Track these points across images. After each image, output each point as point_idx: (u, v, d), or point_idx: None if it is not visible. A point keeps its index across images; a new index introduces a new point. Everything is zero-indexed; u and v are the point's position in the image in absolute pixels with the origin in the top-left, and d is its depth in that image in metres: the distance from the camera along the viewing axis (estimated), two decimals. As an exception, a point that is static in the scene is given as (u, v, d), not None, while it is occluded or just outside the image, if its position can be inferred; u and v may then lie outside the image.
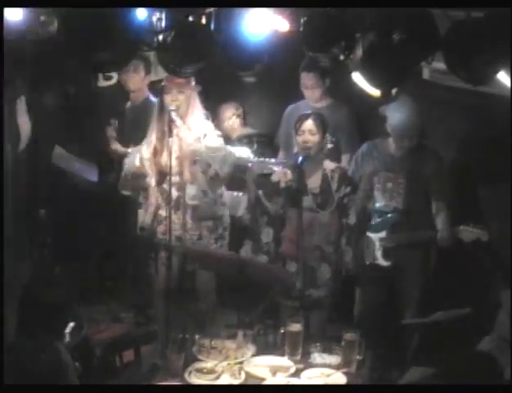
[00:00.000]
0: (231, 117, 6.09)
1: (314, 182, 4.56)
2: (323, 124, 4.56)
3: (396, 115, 4.56)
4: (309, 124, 4.51)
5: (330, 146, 4.69)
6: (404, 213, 4.66)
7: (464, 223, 4.39)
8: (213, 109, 5.24)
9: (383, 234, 4.70)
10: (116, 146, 5.48)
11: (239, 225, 5.24)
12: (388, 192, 4.69)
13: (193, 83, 4.70)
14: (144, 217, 4.84)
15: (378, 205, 4.74)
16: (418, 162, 4.63)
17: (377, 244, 4.71)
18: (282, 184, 4.63)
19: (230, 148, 5.06)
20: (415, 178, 4.63)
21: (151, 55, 5.59)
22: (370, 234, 4.74)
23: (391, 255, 4.68)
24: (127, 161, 4.89)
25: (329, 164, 4.63)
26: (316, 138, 4.51)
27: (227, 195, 5.22)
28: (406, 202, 4.65)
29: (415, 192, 4.65)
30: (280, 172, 4.69)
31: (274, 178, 4.68)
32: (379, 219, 4.73)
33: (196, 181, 4.70)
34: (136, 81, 5.53)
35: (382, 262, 4.71)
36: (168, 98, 4.67)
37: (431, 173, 4.62)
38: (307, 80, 5.38)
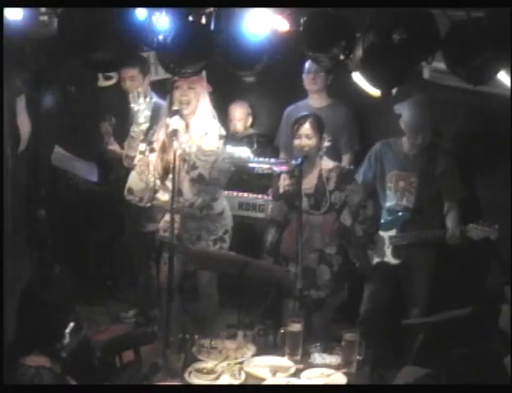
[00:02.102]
0: (246, 117, 6.10)
1: (308, 183, 4.57)
2: (320, 126, 4.57)
3: (410, 113, 4.59)
4: (306, 128, 4.52)
5: (327, 144, 4.69)
6: (415, 212, 4.68)
7: (474, 222, 4.40)
8: (216, 108, 5.24)
9: (393, 232, 4.71)
10: (114, 147, 5.45)
11: (241, 228, 5.23)
12: (400, 191, 4.71)
13: (205, 82, 4.69)
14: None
15: (389, 203, 4.76)
16: (430, 161, 4.66)
17: (387, 242, 4.73)
18: (281, 189, 4.65)
19: (226, 152, 5.04)
20: (426, 177, 4.65)
21: (150, 55, 5.62)
22: (380, 232, 4.75)
23: (400, 253, 4.70)
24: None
25: (327, 164, 4.63)
26: (312, 141, 4.52)
27: (224, 195, 5.23)
28: (418, 201, 4.67)
29: (427, 191, 4.67)
30: (281, 179, 4.70)
31: (278, 185, 4.69)
32: (389, 218, 4.74)
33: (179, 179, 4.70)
34: (136, 86, 5.47)
35: (391, 260, 4.72)
36: (177, 94, 4.65)
37: (443, 173, 4.63)
38: (308, 79, 5.39)
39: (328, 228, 4.57)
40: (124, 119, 5.42)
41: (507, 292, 4.03)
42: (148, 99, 4.72)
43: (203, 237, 4.80)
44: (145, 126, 4.71)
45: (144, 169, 4.70)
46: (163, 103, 4.89)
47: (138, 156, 4.71)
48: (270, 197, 5.07)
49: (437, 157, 4.67)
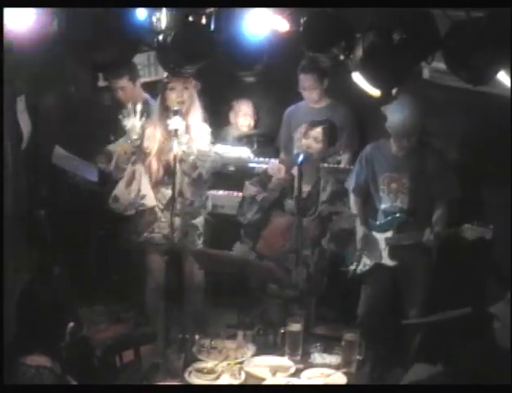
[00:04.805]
0: (252, 113, 6.11)
1: (304, 187, 4.57)
2: (332, 135, 4.61)
3: (395, 115, 4.56)
4: (317, 131, 4.57)
5: (338, 158, 4.74)
6: (409, 213, 4.67)
7: (468, 222, 4.40)
8: (213, 109, 5.24)
9: (389, 234, 4.70)
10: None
11: (222, 222, 5.27)
12: (393, 193, 4.70)
13: (194, 81, 4.71)
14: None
15: (384, 205, 4.75)
16: (420, 161, 4.64)
17: (383, 244, 4.72)
18: (274, 180, 4.65)
19: (224, 148, 5.07)
20: (418, 178, 4.64)
21: (150, 55, 5.62)
22: (376, 234, 4.75)
23: (397, 254, 4.69)
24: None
25: (326, 176, 4.73)
26: (319, 146, 4.57)
27: (225, 195, 5.26)
28: (411, 202, 4.66)
29: (419, 192, 4.66)
30: (275, 166, 4.71)
31: (269, 171, 4.71)
32: (385, 220, 4.74)
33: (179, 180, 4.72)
34: (129, 94, 5.50)
35: (388, 262, 4.72)
36: (172, 96, 4.67)
37: (433, 171, 4.62)
38: (305, 82, 5.39)
39: (311, 232, 4.61)
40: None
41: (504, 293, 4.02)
42: (139, 115, 4.74)
43: (189, 233, 4.84)
44: (137, 143, 4.74)
45: (131, 179, 4.74)
46: (154, 104, 4.92)
47: (128, 166, 4.76)
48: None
49: (428, 157, 4.65)
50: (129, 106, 4.80)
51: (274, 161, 4.92)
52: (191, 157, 4.69)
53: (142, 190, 4.77)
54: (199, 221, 4.93)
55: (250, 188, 4.77)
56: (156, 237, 4.84)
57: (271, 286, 4.51)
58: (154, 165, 4.77)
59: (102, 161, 5.34)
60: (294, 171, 4.61)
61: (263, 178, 4.77)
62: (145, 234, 4.87)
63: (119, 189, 4.80)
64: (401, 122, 4.54)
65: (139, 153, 4.77)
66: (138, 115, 4.72)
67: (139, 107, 4.78)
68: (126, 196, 4.77)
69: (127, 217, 4.97)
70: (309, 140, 4.56)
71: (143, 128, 4.75)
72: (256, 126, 6.18)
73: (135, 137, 4.72)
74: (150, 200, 4.78)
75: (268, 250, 4.62)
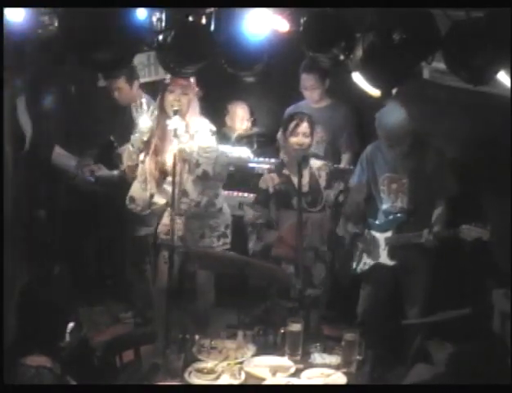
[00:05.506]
0: (249, 117, 6.11)
1: (302, 181, 4.58)
2: (313, 126, 4.61)
3: (382, 123, 4.57)
4: (304, 126, 4.56)
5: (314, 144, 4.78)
6: (410, 212, 4.67)
7: (466, 222, 4.40)
8: (213, 108, 5.24)
9: (389, 234, 4.71)
10: (102, 172, 5.47)
11: (241, 224, 5.24)
12: (393, 193, 4.71)
13: (195, 87, 4.70)
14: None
15: (385, 206, 4.76)
16: (420, 160, 4.64)
17: (383, 244, 4.72)
18: (271, 190, 4.64)
19: (224, 148, 5.05)
20: (418, 177, 4.65)
21: (150, 55, 5.63)
22: (376, 234, 4.75)
23: (396, 254, 4.69)
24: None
25: (315, 162, 4.71)
26: (309, 140, 4.57)
27: (224, 195, 5.24)
28: (411, 202, 4.66)
29: (420, 191, 4.67)
30: (266, 178, 4.69)
31: (262, 185, 4.69)
32: (385, 219, 4.74)
33: (181, 180, 4.70)
34: (126, 95, 5.50)
35: (387, 261, 4.72)
36: (170, 97, 4.66)
37: (432, 170, 4.62)
38: (307, 81, 5.40)
39: (326, 226, 4.62)
40: (125, 122, 5.42)
41: (498, 294, 4.03)
42: (150, 110, 4.73)
43: (206, 234, 4.82)
44: (146, 136, 4.73)
45: (145, 178, 4.73)
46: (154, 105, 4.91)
47: (140, 166, 4.75)
48: (251, 199, 4.97)
49: (427, 156, 4.65)
50: (143, 100, 4.80)
51: (264, 176, 4.85)
52: (193, 155, 4.68)
53: (150, 188, 4.76)
54: (221, 221, 4.88)
55: (249, 212, 4.73)
56: (164, 237, 4.82)
57: (291, 290, 4.48)
58: (156, 165, 4.76)
59: (91, 170, 5.37)
60: (285, 171, 4.65)
61: (261, 196, 4.71)
62: (154, 233, 4.86)
63: (135, 189, 4.78)
64: (390, 129, 4.55)
65: (147, 150, 4.76)
66: (150, 110, 4.72)
67: (152, 103, 4.78)
68: (142, 196, 4.76)
69: (135, 216, 4.97)
70: (299, 137, 4.55)
71: (153, 125, 4.73)
72: (254, 126, 6.18)
73: (145, 131, 4.70)
74: (159, 198, 4.77)
75: (286, 251, 4.58)
